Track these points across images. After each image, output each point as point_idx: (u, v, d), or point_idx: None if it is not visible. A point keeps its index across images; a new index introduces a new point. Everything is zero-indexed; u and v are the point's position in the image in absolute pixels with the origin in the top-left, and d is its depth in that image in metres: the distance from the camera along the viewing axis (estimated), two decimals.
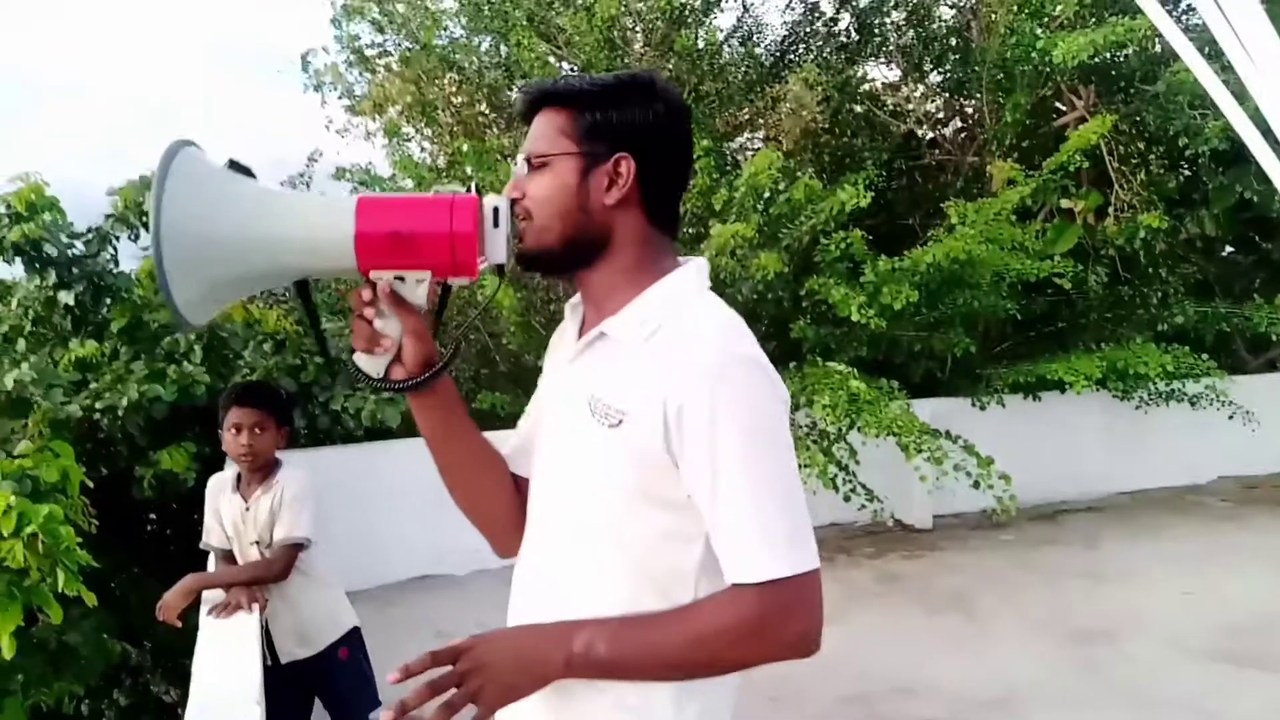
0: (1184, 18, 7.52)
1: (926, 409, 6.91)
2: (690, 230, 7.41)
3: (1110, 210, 7.84)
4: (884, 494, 6.58)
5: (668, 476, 1.18)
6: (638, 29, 9.38)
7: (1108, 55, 7.77)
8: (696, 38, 9.38)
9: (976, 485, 6.13)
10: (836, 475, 6.21)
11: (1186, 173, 8.41)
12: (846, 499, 6.30)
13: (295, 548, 3.04)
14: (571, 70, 9.37)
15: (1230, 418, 7.70)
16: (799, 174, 7.64)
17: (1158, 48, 7.88)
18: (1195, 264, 8.45)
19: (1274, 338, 8.95)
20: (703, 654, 1.19)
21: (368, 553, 5.68)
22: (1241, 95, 2.76)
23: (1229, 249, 9.35)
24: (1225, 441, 8.22)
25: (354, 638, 3.29)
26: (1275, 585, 5.78)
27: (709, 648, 1.18)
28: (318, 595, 3.20)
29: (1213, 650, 4.81)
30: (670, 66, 8.87)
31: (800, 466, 5.92)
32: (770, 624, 1.16)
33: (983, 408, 7.45)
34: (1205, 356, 7.50)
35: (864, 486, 6.38)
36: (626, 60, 8.92)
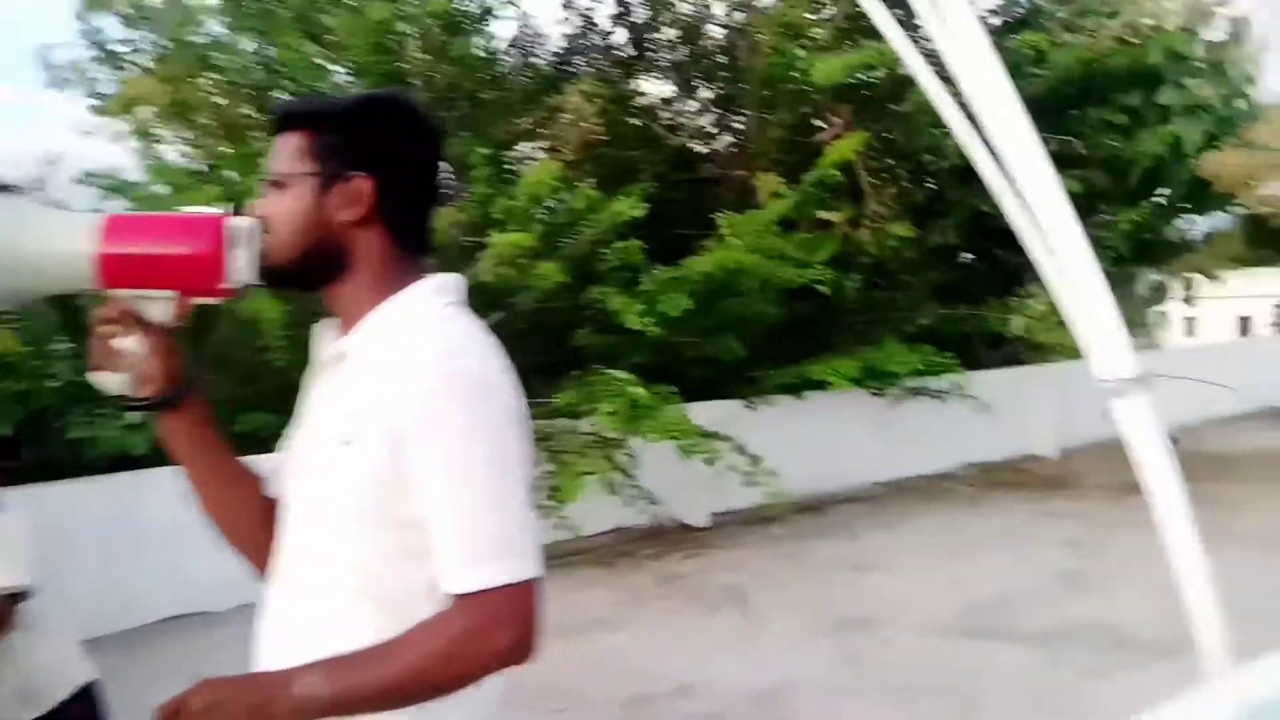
0: (923, 42, 8.22)
1: (703, 412, 7.17)
2: (470, 240, 7.34)
3: (864, 221, 8.44)
4: (664, 496, 6.76)
5: (399, 495, 1.19)
6: (412, 34, 9.18)
7: (861, 76, 8.38)
8: (474, 46, 9.30)
9: (748, 483, 6.43)
10: (618, 481, 6.34)
11: (931, 186, 9.19)
12: (629, 503, 6.44)
13: (13, 598, 2.74)
14: (344, 75, 9.05)
15: (971, 409, 8.48)
16: (579, 184, 7.75)
17: (904, 70, 8.56)
18: (939, 270, 9.24)
19: (1006, 335, 9.96)
20: (421, 679, 1.18)
21: (113, 594, 5.17)
22: (974, 117, 3.02)
23: (970, 256, 10.28)
24: (968, 431, 9.06)
25: (90, 693, 2.99)
26: (1012, 563, 6.40)
27: (425, 671, 1.18)
28: (44, 648, 2.90)
29: (960, 629, 5.26)
30: (448, 73, 8.74)
31: (582, 474, 6.01)
32: (476, 635, 1.16)
33: (754, 408, 7.82)
34: (949, 355, 8.22)
35: (645, 490, 6.54)
36: (401, 65, 8.71)
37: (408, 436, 1.17)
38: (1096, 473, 8.97)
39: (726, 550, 6.99)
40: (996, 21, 9.08)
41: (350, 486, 1.22)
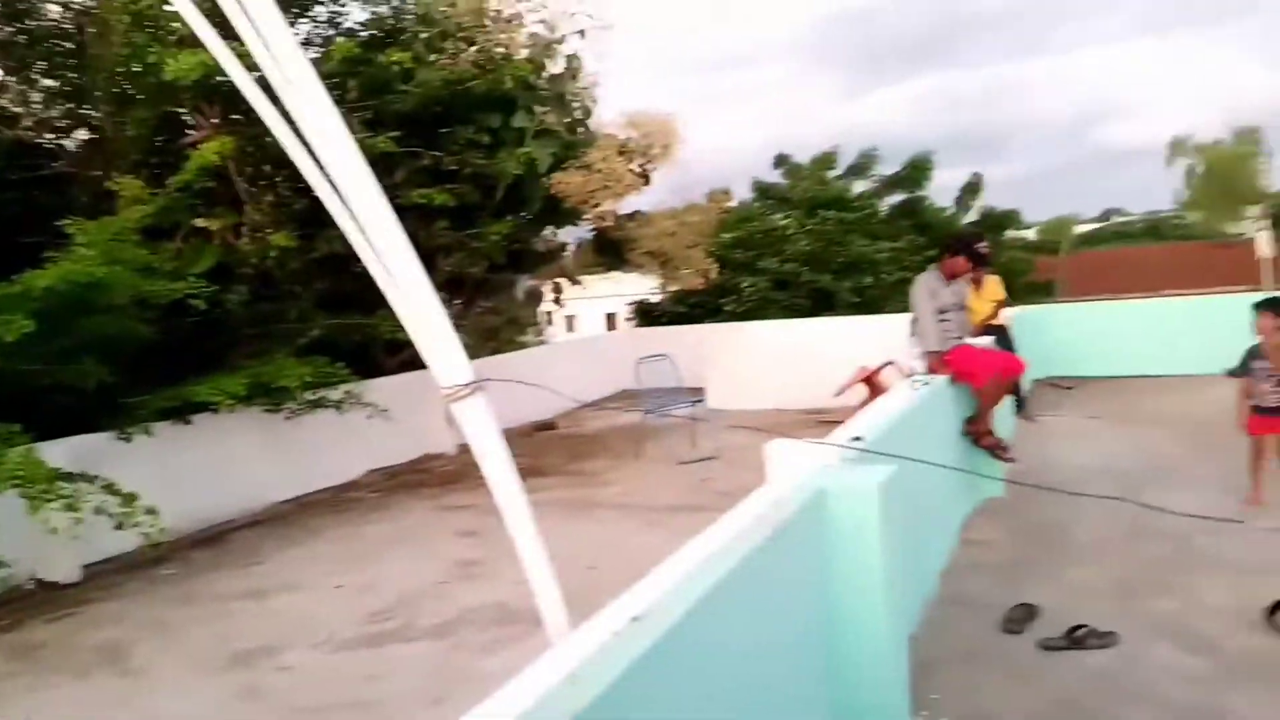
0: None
1: (62, 450, 6.21)
2: None
3: (244, 230, 8.02)
4: (17, 554, 5.71)
5: None
6: None
7: (224, 76, 7.90)
8: None
9: (121, 526, 5.70)
10: None
11: (313, 195, 9.04)
12: None
13: None
14: None
15: (369, 417, 8.58)
16: None
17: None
18: (330, 280, 9.12)
19: (403, 341, 10.25)
20: None
21: None
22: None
23: (360, 265, 10.35)
24: (371, 438, 9.17)
25: None
26: (411, 562, 6.59)
27: None
28: None
29: (364, 638, 5.24)
30: None
31: None
32: None
33: (129, 439, 6.98)
34: (341, 365, 8.20)
35: None
36: None
37: None
38: None
39: (102, 604, 6.11)
40: (365, 36, 9.25)
41: None
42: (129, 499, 5.74)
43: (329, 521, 7.90)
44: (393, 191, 8.52)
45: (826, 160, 19.61)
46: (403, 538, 7.30)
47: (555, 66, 9.91)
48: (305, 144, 2.93)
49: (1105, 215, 69.12)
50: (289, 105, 2.83)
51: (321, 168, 3.00)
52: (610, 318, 33.84)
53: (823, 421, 9.26)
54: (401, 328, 9.07)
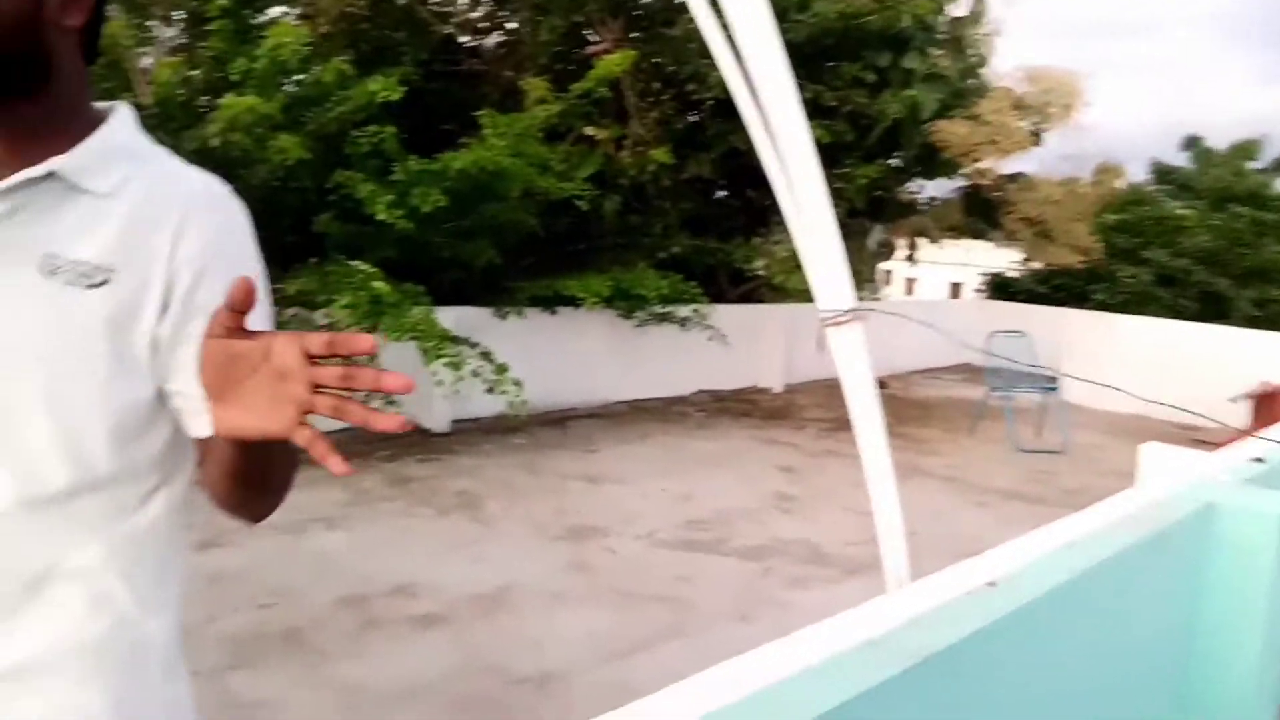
0: None
1: (451, 316, 6.94)
2: (203, 99, 6.58)
3: (627, 143, 8.39)
4: (403, 398, 6.49)
5: (145, 335, 1.01)
6: None
7: None
8: None
9: (491, 390, 6.31)
10: None
11: (693, 117, 9.28)
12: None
13: None
14: None
15: (709, 339, 8.80)
16: (334, 57, 7.12)
17: None
18: (693, 202, 9.39)
19: (747, 273, 10.37)
20: None
21: None
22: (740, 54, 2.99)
23: (723, 191, 10.57)
24: (704, 359, 9.42)
25: None
26: (730, 484, 6.74)
27: None
28: None
29: (681, 541, 5.47)
30: None
31: None
32: None
33: (504, 317, 7.68)
34: (695, 284, 8.45)
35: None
36: None
37: (198, 257, 1.02)
38: (814, 407, 9.67)
39: (464, 456, 6.86)
40: None
41: (98, 333, 1.00)
42: (500, 369, 6.32)
43: (657, 428, 8.26)
44: None
45: (1247, 150, 17.00)
46: (723, 459, 7.47)
47: (958, 8, 9.32)
48: (735, 50, 2.90)
49: None
50: (734, 28, 2.80)
51: (745, 74, 2.96)
52: (955, 287, 32.17)
53: (1196, 440, 8.18)
54: (750, 259, 9.07)
